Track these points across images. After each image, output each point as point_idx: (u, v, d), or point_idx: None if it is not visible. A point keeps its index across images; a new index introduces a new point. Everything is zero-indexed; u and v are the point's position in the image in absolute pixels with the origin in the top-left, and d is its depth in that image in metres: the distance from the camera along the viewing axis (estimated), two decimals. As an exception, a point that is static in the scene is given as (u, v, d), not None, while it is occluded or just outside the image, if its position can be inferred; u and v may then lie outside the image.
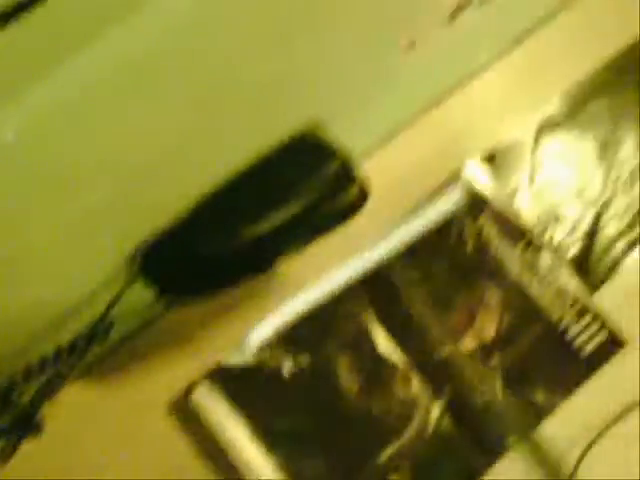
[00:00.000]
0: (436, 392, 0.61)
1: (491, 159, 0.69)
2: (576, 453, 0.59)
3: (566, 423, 0.61)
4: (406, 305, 0.63)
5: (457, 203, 0.66)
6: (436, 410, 0.61)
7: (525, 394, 0.62)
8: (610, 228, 0.69)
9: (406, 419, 0.60)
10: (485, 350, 0.63)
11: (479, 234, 0.66)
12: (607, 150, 0.72)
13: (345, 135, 0.57)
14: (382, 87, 0.60)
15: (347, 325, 0.61)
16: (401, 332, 0.62)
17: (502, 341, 0.63)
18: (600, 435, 0.60)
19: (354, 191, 0.56)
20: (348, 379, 0.60)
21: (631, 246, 0.68)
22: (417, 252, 0.64)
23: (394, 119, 0.68)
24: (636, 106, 0.73)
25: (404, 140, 0.67)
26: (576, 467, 0.59)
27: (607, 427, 0.60)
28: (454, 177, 0.67)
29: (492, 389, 0.62)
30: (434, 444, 0.60)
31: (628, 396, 0.61)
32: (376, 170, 0.61)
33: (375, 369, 0.61)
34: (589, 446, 0.59)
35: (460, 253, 0.65)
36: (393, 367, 0.61)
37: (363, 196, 0.57)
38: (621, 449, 0.60)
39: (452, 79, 0.70)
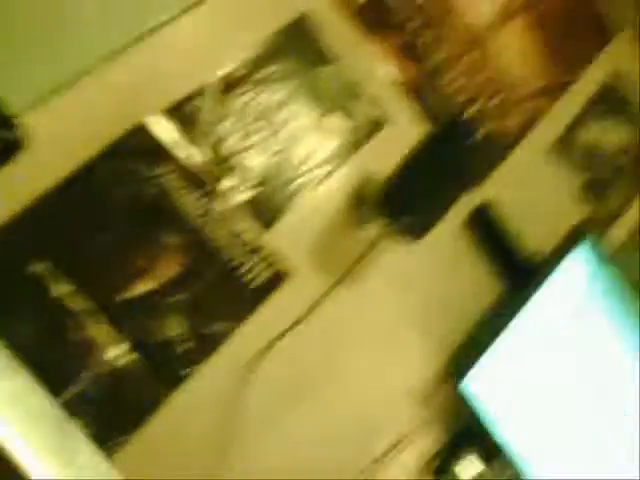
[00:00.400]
0: (119, 332, 0.64)
1: (174, 112, 0.72)
2: (250, 367, 0.67)
3: (239, 347, 0.68)
4: (85, 253, 0.64)
5: (135, 153, 0.69)
6: (117, 350, 0.63)
7: (204, 326, 0.67)
8: (281, 175, 0.77)
9: (83, 363, 0.62)
10: (166, 290, 0.67)
11: (159, 183, 0.69)
12: (281, 107, 0.79)
13: (7, 84, 0.56)
14: (53, 36, 0.60)
15: (17, 276, 0.61)
16: (81, 279, 0.63)
17: (182, 281, 0.68)
18: (268, 349, 0.68)
19: (9, 136, 0.56)
20: (25, 330, 0.60)
21: (299, 189, 0.77)
22: (92, 200, 0.66)
23: (69, 70, 0.67)
24: (304, 69, 0.82)
25: (80, 92, 0.67)
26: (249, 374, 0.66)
27: (272, 344, 0.68)
28: (136, 129, 0.69)
29: (173, 325, 0.66)
30: (114, 383, 0.63)
31: (288, 320, 0.70)
32: (50, 120, 0.62)
33: (50, 317, 0.61)
34: (259, 357, 0.67)
35: (139, 202, 0.68)
36: (70, 313, 0.62)
37: (18, 142, 0.57)
38: (285, 360, 0.69)
39: (132, 31, 0.70)
